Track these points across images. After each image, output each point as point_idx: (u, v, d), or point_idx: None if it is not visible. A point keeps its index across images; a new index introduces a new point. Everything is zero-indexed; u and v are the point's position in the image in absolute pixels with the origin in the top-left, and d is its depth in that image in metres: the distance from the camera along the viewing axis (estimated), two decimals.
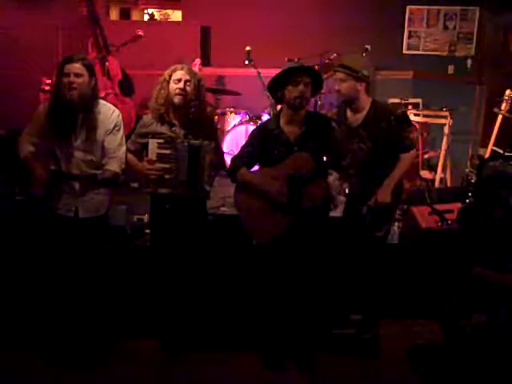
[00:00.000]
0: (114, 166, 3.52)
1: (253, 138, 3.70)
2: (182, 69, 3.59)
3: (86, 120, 3.48)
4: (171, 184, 3.58)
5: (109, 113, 3.58)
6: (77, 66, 3.41)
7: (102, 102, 3.62)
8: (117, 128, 3.58)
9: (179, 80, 3.57)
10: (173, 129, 3.63)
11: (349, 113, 3.82)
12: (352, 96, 3.72)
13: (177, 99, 3.57)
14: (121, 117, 3.64)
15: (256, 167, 3.76)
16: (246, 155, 3.66)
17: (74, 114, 3.46)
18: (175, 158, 3.57)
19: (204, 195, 3.69)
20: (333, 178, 4.35)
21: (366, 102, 3.76)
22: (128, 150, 3.71)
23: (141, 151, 3.69)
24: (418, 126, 5.73)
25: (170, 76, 3.59)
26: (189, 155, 3.56)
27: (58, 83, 3.47)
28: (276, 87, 3.55)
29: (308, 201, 3.48)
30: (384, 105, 3.89)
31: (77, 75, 3.41)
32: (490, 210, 3.35)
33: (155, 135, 3.62)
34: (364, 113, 3.75)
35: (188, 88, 3.58)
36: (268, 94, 3.76)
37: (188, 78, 3.58)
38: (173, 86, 3.57)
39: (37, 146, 3.53)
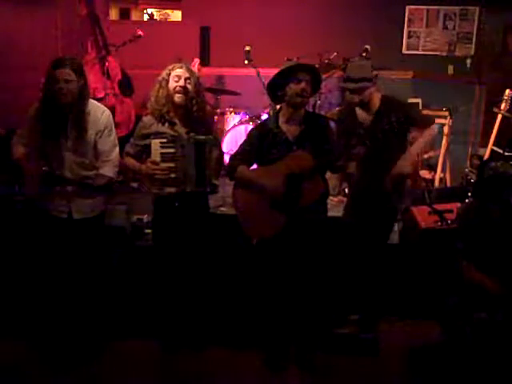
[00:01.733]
0: (107, 171, 3.51)
1: (251, 136, 3.70)
2: (180, 67, 3.59)
3: (76, 121, 3.45)
4: (178, 182, 3.57)
5: (98, 113, 3.55)
6: (66, 72, 3.37)
7: (91, 101, 3.58)
8: (108, 129, 3.55)
9: (179, 78, 3.56)
10: (174, 128, 3.62)
11: (359, 111, 3.85)
12: (369, 99, 3.77)
13: (177, 98, 3.56)
14: (111, 117, 3.61)
15: (254, 166, 3.76)
16: (245, 154, 3.65)
17: (64, 116, 3.45)
18: (181, 155, 3.56)
19: (213, 189, 3.69)
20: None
21: (377, 99, 3.80)
22: (128, 153, 3.71)
23: (141, 154, 3.68)
24: None
25: (169, 75, 3.58)
26: (195, 151, 3.55)
27: (48, 88, 3.42)
28: (276, 86, 3.54)
29: (307, 198, 3.48)
30: (392, 100, 3.90)
31: (66, 81, 3.36)
32: (490, 211, 3.35)
33: (157, 135, 3.60)
34: (374, 109, 3.79)
35: (189, 86, 3.57)
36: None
37: (187, 75, 3.57)
38: (173, 84, 3.56)
39: (29, 148, 3.52)
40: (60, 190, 3.50)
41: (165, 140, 3.58)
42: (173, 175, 3.56)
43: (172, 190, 3.58)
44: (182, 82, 3.55)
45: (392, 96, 3.91)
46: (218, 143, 3.76)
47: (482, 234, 3.37)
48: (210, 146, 3.58)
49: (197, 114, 3.62)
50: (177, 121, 3.63)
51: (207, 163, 3.57)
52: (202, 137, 3.57)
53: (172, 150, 3.56)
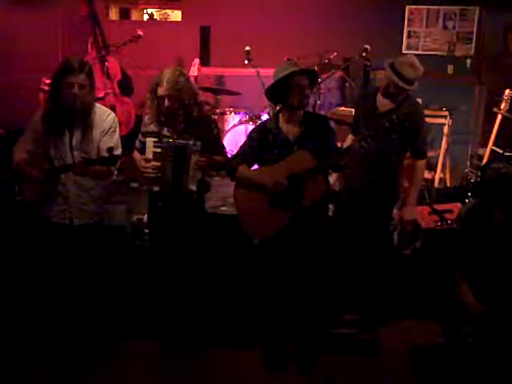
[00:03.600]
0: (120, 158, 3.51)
1: (252, 137, 3.70)
2: (162, 84, 3.53)
3: (83, 119, 3.47)
4: (160, 182, 3.62)
5: (104, 114, 3.58)
6: (81, 78, 3.36)
7: (96, 104, 3.60)
8: (112, 129, 3.58)
9: (163, 98, 3.55)
10: (166, 129, 3.65)
11: (380, 97, 3.87)
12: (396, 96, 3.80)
13: (165, 112, 3.59)
14: (116, 119, 3.64)
15: (255, 166, 3.77)
16: (245, 154, 3.66)
17: (70, 115, 3.45)
18: (163, 156, 3.60)
19: (189, 194, 3.68)
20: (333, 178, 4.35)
21: (404, 95, 3.82)
22: (135, 148, 3.78)
23: (144, 149, 3.71)
24: None
25: (156, 90, 3.57)
26: (174, 154, 3.59)
27: (57, 93, 3.40)
28: (277, 93, 3.53)
29: (308, 198, 3.49)
30: (416, 102, 3.96)
31: (81, 87, 3.37)
32: (491, 212, 3.35)
33: (152, 134, 3.65)
34: (396, 102, 3.81)
35: (171, 103, 3.55)
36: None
37: (168, 93, 3.53)
38: (159, 100, 3.57)
39: (31, 154, 3.51)
40: (61, 189, 3.51)
41: (157, 139, 3.62)
42: (160, 174, 3.61)
43: (157, 188, 3.64)
44: (166, 102, 3.55)
45: (414, 100, 3.94)
46: (218, 148, 3.74)
47: (483, 236, 3.36)
48: (190, 151, 3.58)
49: (187, 120, 3.63)
50: (168, 123, 3.66)
51: (185, 168, 3.59)
52: (183, 141, 3.59)
53: (161, 150, 3.61)
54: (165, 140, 3.60)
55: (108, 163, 3.38)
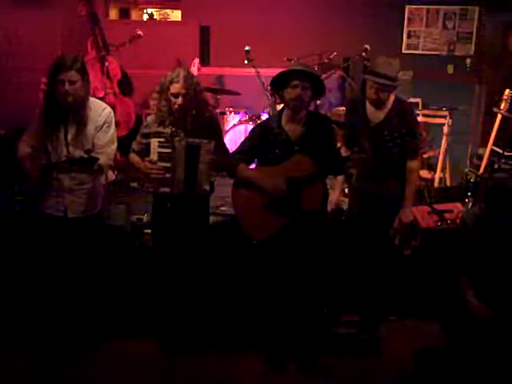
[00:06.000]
0: (100, 161, 3.48)
1: (253, 134, 3.69)
2: (178, 81, 3.53)
3: (77, 116, 3.49)
4: (170, 183, 3.60)
5: (99, 109, 3.58)
6: (72, 74, 3.39)
7: (92, 99, 3.61)
8: (107, 125, 3.58)
9: (177, 95, 3.54)
10: (173, 128, 3.62)
11: (370, 109, 3.83)
12: (385, 100, 3.76)
13: (177, 111, 3.58)
14: (112, 114, 3.64)
15: (253, 165, 3.76)
16: (246, 151, 3.65)
17: (65, 111, 3.47)
18: (173, 156, 3.58)
19: (203, 194, 3.69)
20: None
21: (390, 99, 3.79)
22: (133, 150, 3.76)
23: (145, 152, 3.69)
24: None
25: (169, 88, 3.56)
26: (186, 154, 3.57)
27: (52, 90, 3.44)
28: (277, 87, 3.55)
29: (307, 203, 3.48)
30: (405, 103, 3.93)
31: (72, 83, 3.39)
32: (494, 220, 3.35)
33: (156, 135, 3.63)
34: (386, 110, 3.78)
35: (185, 101, 3.55)
36: (268, 93, 3.75)
37: (184, 91, 3.53)
38: (172, 99, 3.56)
39: (34, 148, 3.53)
40: (56, 184, 3.52)
41: (163, 140, 3.60)
42: (168, 175, 3.59)
43: (166, 189, 3.61)
44: (179, 101, 3.54)
45: (403, 98, 3.93)
46: (220, 148, 3.71)
47: (487, 242, 3.36)
48: (203, 150, 3.57)
49: (197, 119, 3.62)
50: (178, 123, 3.63)
51: (198, 167, 3.58)
52: (196, 140, 3.57)
53: (169, 150, 3.59)
54: (177, 139, 3.57)
55: (88, 164, 3.37)
